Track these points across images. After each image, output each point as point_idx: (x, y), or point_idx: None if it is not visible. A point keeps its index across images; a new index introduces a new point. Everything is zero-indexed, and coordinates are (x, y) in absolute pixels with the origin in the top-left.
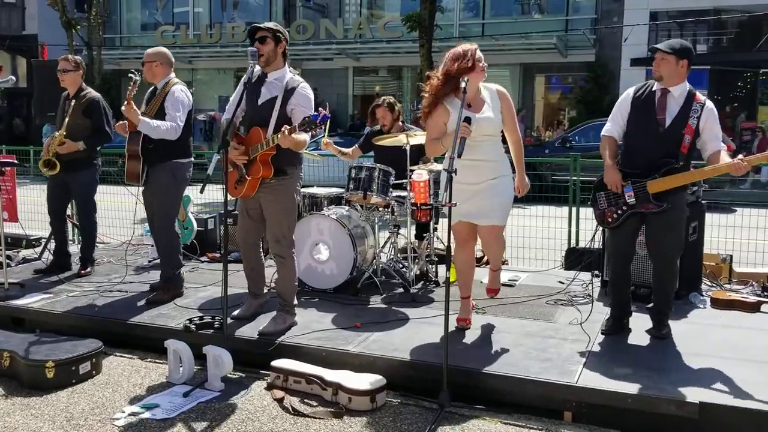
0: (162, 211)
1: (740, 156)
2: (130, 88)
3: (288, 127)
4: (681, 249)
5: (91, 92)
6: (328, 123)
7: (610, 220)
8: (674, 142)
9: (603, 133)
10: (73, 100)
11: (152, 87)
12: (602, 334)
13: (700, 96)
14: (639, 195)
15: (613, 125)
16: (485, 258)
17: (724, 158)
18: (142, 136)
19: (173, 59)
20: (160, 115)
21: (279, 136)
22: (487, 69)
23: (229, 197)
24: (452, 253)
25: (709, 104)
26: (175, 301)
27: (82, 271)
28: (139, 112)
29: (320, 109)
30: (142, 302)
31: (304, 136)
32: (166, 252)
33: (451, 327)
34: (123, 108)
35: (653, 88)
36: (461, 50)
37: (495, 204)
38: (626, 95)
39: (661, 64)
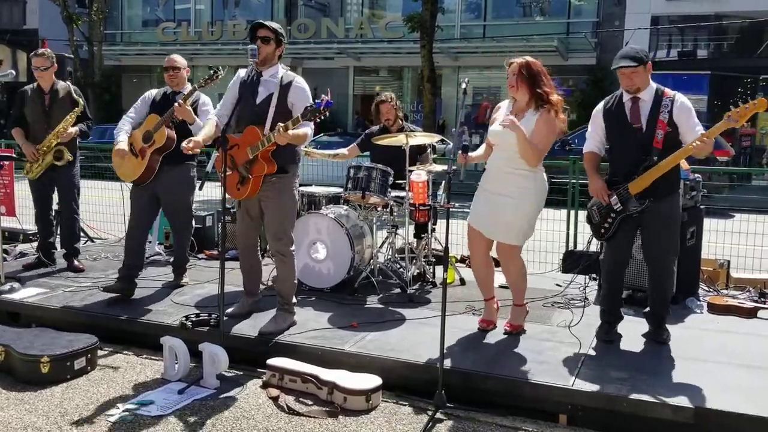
0: (186, 206)
1: (700, 134)
2: (204, 80)
3: (282, 123)
4: (676, 252)
5: (64, 83)
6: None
7: (602, 231)
8: (650, 140)
9: (584, 150)
10: (54, 95)
11: (164, 92)
12: (600, 341)
13: (669, 91)
14: (623, 199)
15: (591, 141)
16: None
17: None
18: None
19: None
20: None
21: (275, 133)
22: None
23: (234, 198)
24: (449, 252)
25: (679, 97)
26: (171, 298)
27: (76, 266)
28: (189, 112)
29: (322, 96)
30: (142, 297)
31: (305, 129)
32: (185, 240)
33: (449, 327)
34: (176, 106)
35: (623, 99)
36: None
37: (500, 221)
38: (597, 111)
39: (634, 77)
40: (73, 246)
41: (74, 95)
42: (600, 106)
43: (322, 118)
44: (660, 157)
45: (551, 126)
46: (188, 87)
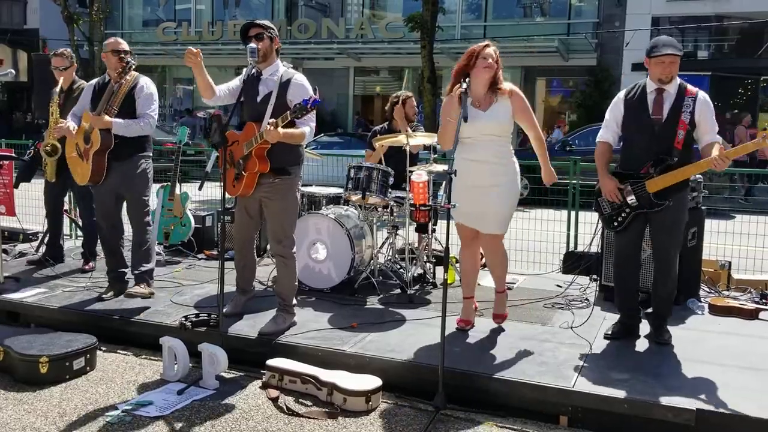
0: (140, 205)
1: (716, 149)
2: (118, 74)
3: (273, 120)
4: (680, 248)
5: (84, 83)
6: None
7: (615, 224)
8: (669, 139)
9: (598, 139)
10: (68, 93)
11: (104, 80)
12: (606, 338)
13: (692, 88)
14: (640, 195)
15: (607, 131)
16: (483, 260)
17: (714, 151)
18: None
19: None
20: (127, 108)
21: (265, 130)
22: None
23: (228, 195)
24: (450, 253)
25: (701, 96)
26: (171, 298)
27: (86, 266)
28: (106, 118)
29: (311, 94)
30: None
31: (302, 129)
32: (145, 245)
33: (448, 328)
34: (91, 118)
35: (646, 89)
36: (471, 48)
37: (492, 212)
38: (617, 99)
39: (672, 67)
40: (91, 245)
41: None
42: (621, 94)
43: (310, 112)
44: (679, 157)
45: (527, 103)
46: (132, 74)
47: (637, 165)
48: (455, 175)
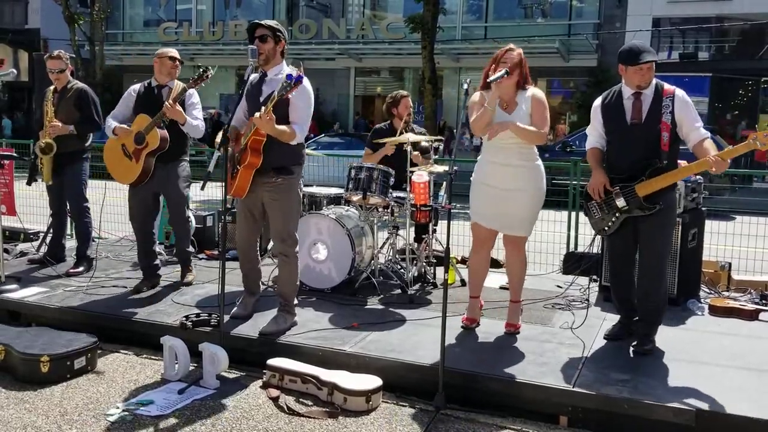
0: (181, 203)
1: (712, 153)
2: (193, 80)
3: (262, 112)
4: (669, 255)
5: (78, 83)
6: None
7: (606, 228)
8: (653, 141)
9: (587, 146)
10: (62, 94)
11: (149, 85)
12: (606, 339)
13: (669, 87)
14: (630, 199)
15: (594, 137)
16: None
17: (708, 147)
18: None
19: None
20: None
21: (255, 118)
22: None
23: (229, 196)
24: (450, 253)
25: (679, 93)
26: (172, 298)
27: (71, 270)
28: (180, 109)
29: (295, 68)
30: (143, 296)
31: (293, 128)
32: (181, 234)
33: (450, 328)
34: (167, 107)
35: (623, 94)
36: (496, 53)
37: (514, 215)
38: (595, 107)
39: (650, 73)
40: (81, 248)
41: (80, 96)
42: (598, 101)
43: (295, 88)
44: (668, 159)
45: (544, 101)
46: (176, 82)
47: (623, 169)
48: (454, 175)
